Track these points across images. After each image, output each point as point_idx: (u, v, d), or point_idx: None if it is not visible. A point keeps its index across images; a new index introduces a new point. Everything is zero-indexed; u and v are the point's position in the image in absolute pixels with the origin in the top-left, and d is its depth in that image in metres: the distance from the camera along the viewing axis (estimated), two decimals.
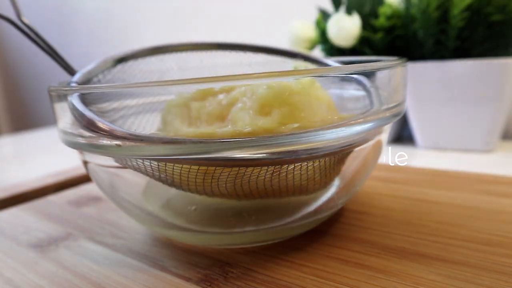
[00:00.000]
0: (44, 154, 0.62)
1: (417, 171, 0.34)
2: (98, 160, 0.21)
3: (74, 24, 1.14)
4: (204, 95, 0.21)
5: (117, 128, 0.17)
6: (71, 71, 0.26)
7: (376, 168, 0.34)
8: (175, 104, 0.22)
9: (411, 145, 0.50)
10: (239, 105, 0.19)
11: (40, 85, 1.35)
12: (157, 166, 0.18)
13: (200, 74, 0.30)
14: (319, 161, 0.19)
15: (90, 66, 0.26)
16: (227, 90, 0.22)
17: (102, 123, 0.17)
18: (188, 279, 0.19)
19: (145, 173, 0.19)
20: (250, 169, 0.17)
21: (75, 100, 0.19)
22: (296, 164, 0.18)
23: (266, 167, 0.18)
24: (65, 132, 0.20)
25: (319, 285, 0.18)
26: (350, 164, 0.22)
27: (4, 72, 1.52)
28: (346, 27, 0.46)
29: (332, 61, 0.29)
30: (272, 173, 0.18)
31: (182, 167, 0.18)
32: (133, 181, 0.23)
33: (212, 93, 0.22)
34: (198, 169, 0.17)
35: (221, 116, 0.19)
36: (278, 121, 0.17)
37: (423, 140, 0.48)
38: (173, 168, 0.18)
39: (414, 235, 0.22)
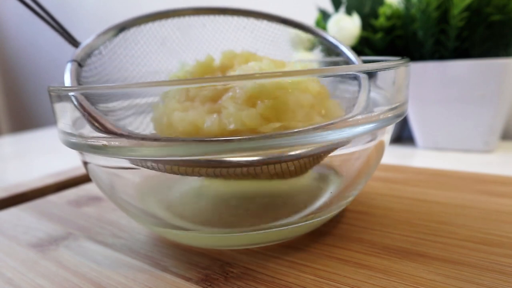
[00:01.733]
0: (44, 154, 0.62)
1: (417, 171, 0.34)
2: (98, 160, 0.21)
3: (74, 23, 1.14)
4: (204, 71, 0.23)
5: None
6: (74, 43, 0.25)
7: (376, 168, 0.34)
8: (177, 78, 0.23)
9: (411, 145, 0.50)
10: (230, 93, 0.19)
11: (40, 85, 1.35)
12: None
13: (203, 40, 0.30)
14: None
15: (90, 39, 0.25)
16: (227, 67, 0.23)
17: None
18: (188, 279, 0.19)
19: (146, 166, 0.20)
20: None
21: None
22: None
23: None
24: (65, 133, 0.20)
25: (319, 285, 0.18)
26: (353, 165, 0.22)
27: (4, 72, 1.52)
28: (346, 27, 0.46)
29: (338, 42, 0.29)
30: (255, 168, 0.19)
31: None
32: (133, 182, 0.23)
33: (211, 71, 0.23)
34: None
35: (215, 98, 0.20)
36: (261, 113, 0.18)
37: (423, 140, 0.48)
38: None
39: (414, 235, 0.22)
